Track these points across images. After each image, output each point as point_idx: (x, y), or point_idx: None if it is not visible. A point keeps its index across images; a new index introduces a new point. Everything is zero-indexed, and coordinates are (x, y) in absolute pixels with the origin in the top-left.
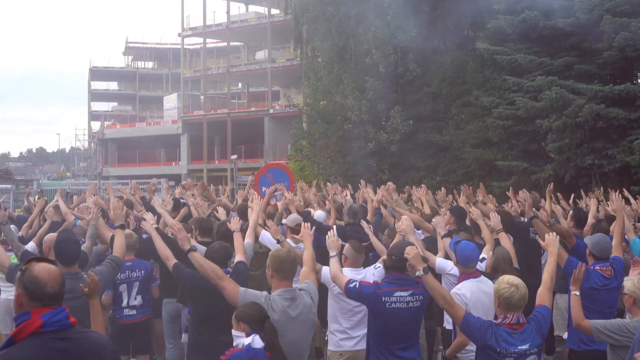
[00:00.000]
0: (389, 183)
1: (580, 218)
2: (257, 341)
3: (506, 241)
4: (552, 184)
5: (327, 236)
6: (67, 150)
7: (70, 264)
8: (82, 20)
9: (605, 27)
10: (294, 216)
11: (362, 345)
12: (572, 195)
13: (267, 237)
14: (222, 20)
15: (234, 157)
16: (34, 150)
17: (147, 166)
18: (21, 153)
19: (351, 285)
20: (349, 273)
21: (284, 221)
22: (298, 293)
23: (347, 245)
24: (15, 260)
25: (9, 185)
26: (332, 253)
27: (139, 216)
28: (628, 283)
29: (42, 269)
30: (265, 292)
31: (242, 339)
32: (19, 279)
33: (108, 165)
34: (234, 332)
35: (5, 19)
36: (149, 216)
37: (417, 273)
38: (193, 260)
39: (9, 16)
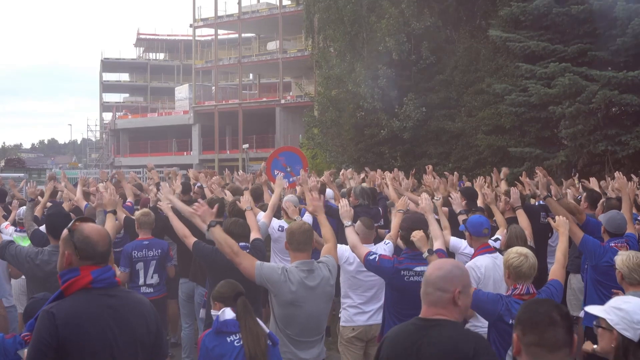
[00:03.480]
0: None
1: (593, 199)
2: (227, 313)
3: (524, 218)
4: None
5: (339, 206)
6: (78, 142)
7: (60, 238)
8: (94, 13)
9: (619, 13)
10: (291, 197)
11: (375, 320)
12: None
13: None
14: (233, 11)
15: (246, 146)
16: (45, 142)
17: (159, 156)
18: (33, 144)
19: (371, 258)
20: None
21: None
22: (316, 265)
23: (358, 222)
24: (26, 242)
25: (22, 174)
26: (346, 223)
27: (150, 197)
28: (618, 259)
29: (92, 229)
30: (282, 265)
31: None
32: (68, 239)
33: (120, 155)
34: (212, 312)
35: (17, 13)
36: (165, 191)
37: (423, 255)
38: (213, 235)
39: (21, 10)
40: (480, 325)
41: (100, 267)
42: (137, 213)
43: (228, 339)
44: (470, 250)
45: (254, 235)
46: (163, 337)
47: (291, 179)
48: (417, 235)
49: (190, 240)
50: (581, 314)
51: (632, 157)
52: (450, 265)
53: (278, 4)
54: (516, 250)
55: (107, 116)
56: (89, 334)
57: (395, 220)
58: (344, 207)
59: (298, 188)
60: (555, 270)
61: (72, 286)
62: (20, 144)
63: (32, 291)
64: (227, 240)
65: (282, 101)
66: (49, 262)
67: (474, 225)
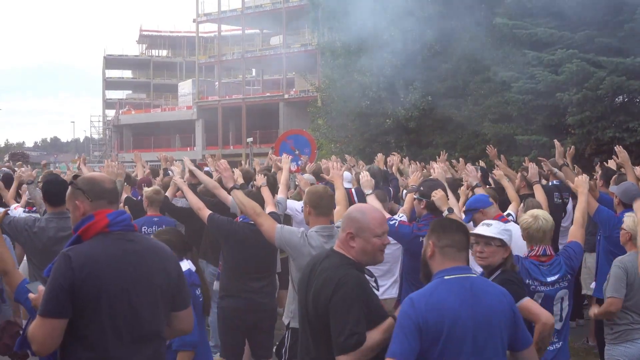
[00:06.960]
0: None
1: (609, 177)
2: (190, 265)
3: (540, 193)
4: (573, 147)
5: (360, 176)
6: (81, 140)
7: (57, 204)
8: (96, 10)
9: None
10: (308, 176)
11: (390, 294)
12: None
13: (290, 205)
14: (236, 5)
15: (250, 140)
16: (48, 140)
17: (162, 152)
18: (35, 143)
19: (391, 223)
20: None
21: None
22: (336, 230)
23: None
24: None
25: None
26: (367, 191)
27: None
28: (628, 220)
29: (92, 173)
30: (302, 229)
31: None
32: (73, 189)
33: (123, 151)
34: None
35: (20, 11)
36: (187, 163)
37: (443, 213)
38: (235, 197)
39: (24, 8)
40: None
41: (114, 209)
42: (147, 190)
43: (197, 292)
44: None
45: (270, 209)
46: (184, 287)
47: (299, 162)
48: (437, 194)
49: (205, 212)
50: (592, 285)
51: (639, 144)
52: (355, 209)
53: None
54: (530, 212)
55: (110, 113)
56: (105, 277)
57: (409, 197)
58: (365, 177)
59: (308, 167)
60: (574, 231)
61: (89, 230)
62: (23, 142)
63: (32, 267)
64: (250, 202)
65: (286, 96)
66: (46, 229)
67: (480, 200)
